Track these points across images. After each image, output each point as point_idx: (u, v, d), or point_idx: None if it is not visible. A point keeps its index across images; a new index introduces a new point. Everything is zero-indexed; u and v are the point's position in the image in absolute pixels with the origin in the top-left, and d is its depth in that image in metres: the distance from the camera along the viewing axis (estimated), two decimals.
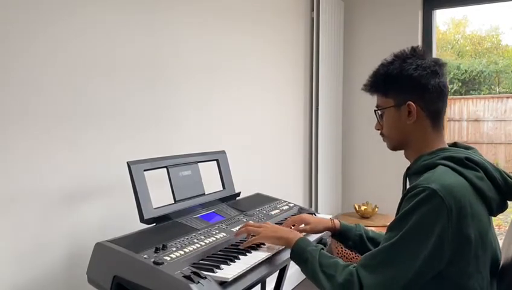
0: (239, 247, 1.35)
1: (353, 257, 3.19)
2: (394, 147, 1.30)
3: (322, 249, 1.24)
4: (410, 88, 1.21)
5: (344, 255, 3.25)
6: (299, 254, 1.25)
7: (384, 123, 1.29)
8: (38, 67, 1.45)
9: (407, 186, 1.27)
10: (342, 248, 3.28)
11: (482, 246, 1.10)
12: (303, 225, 1.51)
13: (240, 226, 1.48)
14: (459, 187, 1.08)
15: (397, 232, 1.09)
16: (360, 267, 1.12)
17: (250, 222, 1.49)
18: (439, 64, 1.22)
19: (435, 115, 1.22)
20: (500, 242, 1.22)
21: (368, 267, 1.10)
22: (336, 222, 1.52)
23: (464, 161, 1.14)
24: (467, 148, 1.24)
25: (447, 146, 1.24)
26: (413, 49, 1.24)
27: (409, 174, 1.27)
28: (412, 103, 1.20)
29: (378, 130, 1.32)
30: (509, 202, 1.20)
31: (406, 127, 1.23)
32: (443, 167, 1.13)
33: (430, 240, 1.05)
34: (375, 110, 1.31)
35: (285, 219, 1.68)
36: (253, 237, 1.36)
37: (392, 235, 1.10)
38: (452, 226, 1.05)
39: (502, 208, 1.18)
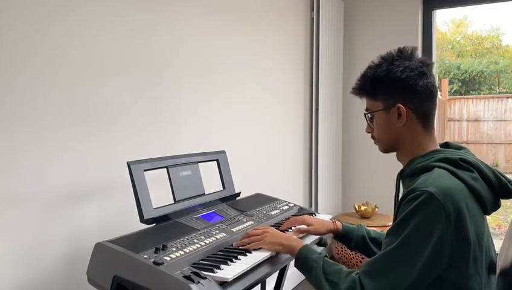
0: (238, 247, 1.35)
1: (353, 257, 3.20)
2: (385, 150, 1.30)
3: (326, 256, 1.24)
4: (399, 90, 1.20)
5: (344, 255, 3.25)
6: (304, 262, 1.25)
7: (374, 126, 1.28)
8: (38, 68, 1.45)
9: (401, 189, 1.27)
10: (342, 248, 3.28)
11: (479, 246, 1.10)
12: (305, 227, 1.50)
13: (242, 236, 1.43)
14: (456, 190, 1.08)
15: (397, 237, 1.09)
16: (362, 274, 1.12)
17: (252, 230, 1.44)
18: (426, 65, 1.21)
19: (425, 116, 1.22)
20: (500, 243, 1.22)
21: (370, 274, 1.11)
22: (338, 223, 1.52)
23: (459, 162, 1.14)
24: (459, 148, 1.24)
25: (439, 147, 1.24)
26: (400, 51, 1.23)
27: (403, 176, 1.26)
28: (401, 105, 1.19)
29: (369, 133, 1.32)
30: (502, 201, 1.20)
31: (397, 129, 1.22)
32: (439, 169, 1.13)
33: (429, 243, 1.05)
34: (364, 114, 1.30)
35: (286, 218, 1.68)
36: (256, 242, 1.36)
37: (392, 240, 1.10)
38: (451, 229, 1.05)
39: (496, 207, 1.18)
